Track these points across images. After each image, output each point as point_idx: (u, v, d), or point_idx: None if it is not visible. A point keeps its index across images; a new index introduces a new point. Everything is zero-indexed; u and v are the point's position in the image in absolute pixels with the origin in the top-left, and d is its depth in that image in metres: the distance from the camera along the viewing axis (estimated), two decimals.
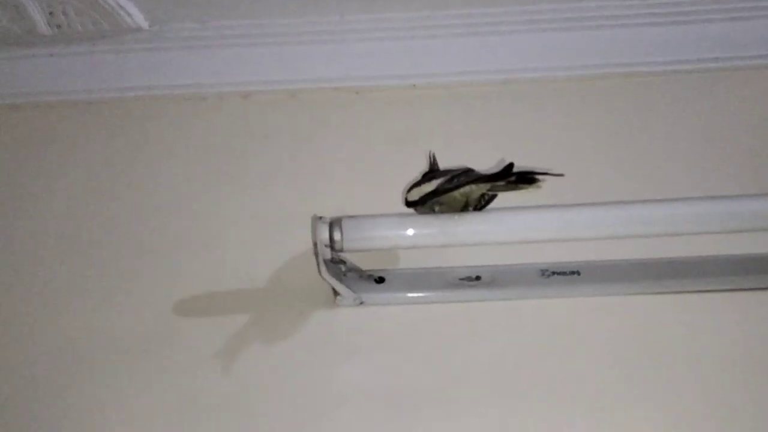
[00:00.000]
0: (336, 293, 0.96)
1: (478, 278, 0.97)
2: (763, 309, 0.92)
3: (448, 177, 0.88)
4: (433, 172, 0.91)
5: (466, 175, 0.87)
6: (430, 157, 0.94)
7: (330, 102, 1.49)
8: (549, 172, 0.84)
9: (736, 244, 0.96)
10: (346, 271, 0.98)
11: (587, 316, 0.94)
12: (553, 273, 0.97)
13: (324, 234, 0.88)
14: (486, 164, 1.07)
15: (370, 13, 1.49)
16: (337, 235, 0.89)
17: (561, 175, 0.84)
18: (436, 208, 0.89)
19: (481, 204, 0.89)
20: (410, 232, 0.90)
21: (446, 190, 0.87)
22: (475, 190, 0.86)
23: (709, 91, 1.27)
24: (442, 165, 1.26)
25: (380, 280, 0.99)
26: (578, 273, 0.97)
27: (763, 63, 1.40)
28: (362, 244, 0.89)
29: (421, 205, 0.89)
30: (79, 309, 1.01)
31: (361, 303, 0.96)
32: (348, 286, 0.96)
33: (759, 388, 0.84)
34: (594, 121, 1.32)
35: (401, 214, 0.91)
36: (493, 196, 0.89)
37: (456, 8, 1.48)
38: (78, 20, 1.47)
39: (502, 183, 0.85)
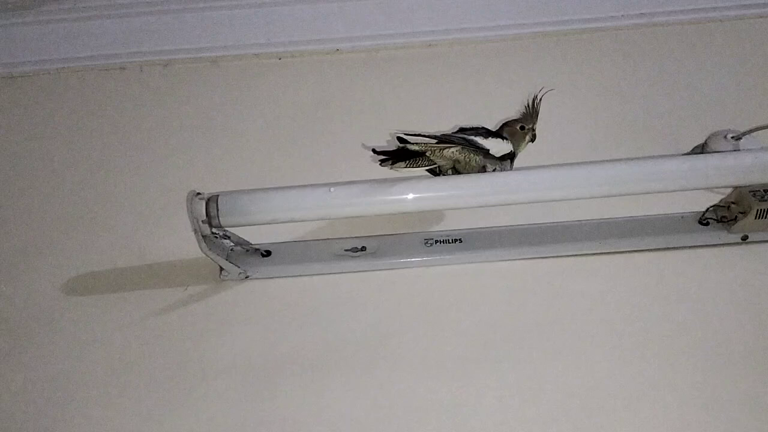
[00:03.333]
0: (221, 268, 0.96)
1: (363, 249, 0.98)
2: (629, 271, 0.94)
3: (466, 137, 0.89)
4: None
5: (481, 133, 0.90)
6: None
7: (252, 68, 1.48)
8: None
9: (606, 210, 0.96)
10: (232, 246, 0.99)
11: (469, 282, 0.94)
12: (436, 241, 0.98)
13: (200, 210, 0.89)
14: (413, 127, 1.07)
15: None
16: (213, 211, 0.89)
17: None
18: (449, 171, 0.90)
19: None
20: (287, 206, 0.89)
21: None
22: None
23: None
24: (357, 127, 1.27)
25: (267, 253, 1.00)
26: (460, 240, 0.97)
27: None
28: (239, 219, 0.90)
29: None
30: None
31: (247, 277, 0.97)
32: (233, 261, 0.96)
33: (618, 351, 0.85)
34: (510, 83, 1.31)
35: (279, 188, 0.90)
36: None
37: None
38: None
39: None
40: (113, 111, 1.38)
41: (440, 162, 0.88)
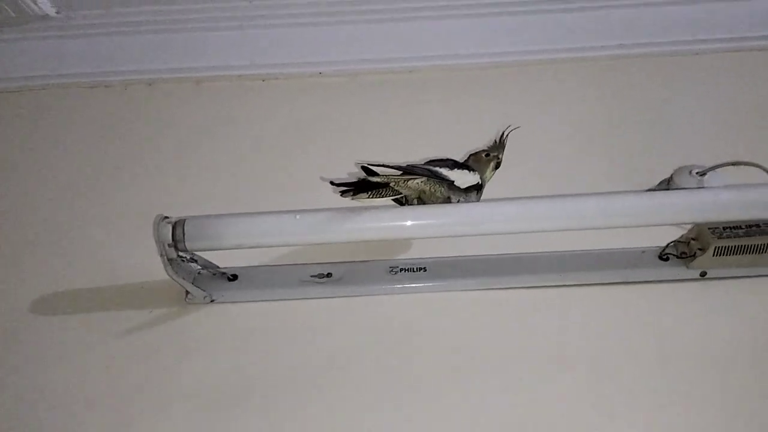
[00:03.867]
0: (187, 292, 0.97)
1: (329, 275, 1.00)
2: (590, 304, 0.96)
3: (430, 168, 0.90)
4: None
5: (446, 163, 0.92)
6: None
7: (235, 90, 1.50)
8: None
9: (569, 242, 0.98)
10: (200, 270, 1.00)
11: (432, 311, 0.96)
12: (401, 270, 0.99)
13: (167, 234, 0.90)
14: (388, 153, 1.09)
15: None
16: (179, 236, 0.90)
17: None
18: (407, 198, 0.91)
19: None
20: (253, 231, 0.91)
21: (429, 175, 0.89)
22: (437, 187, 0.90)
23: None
24: (338, 151, 1.28)
25: (233, 277, 1.01)
26: (425, 269, 0.99)
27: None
28: (205, 243, 0.91)
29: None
30: None
31: (212, 301, 0.98)
32: (199, 285, 0.98)
33: (576, 382, 0.87)
34: (486, 111, 1.33)
35: (246, 214, 0.92)
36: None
37: None
38: None
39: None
40: (94, 129, 1.39)
41: (405, 192, 0.90)
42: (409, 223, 0.91)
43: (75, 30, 1.51)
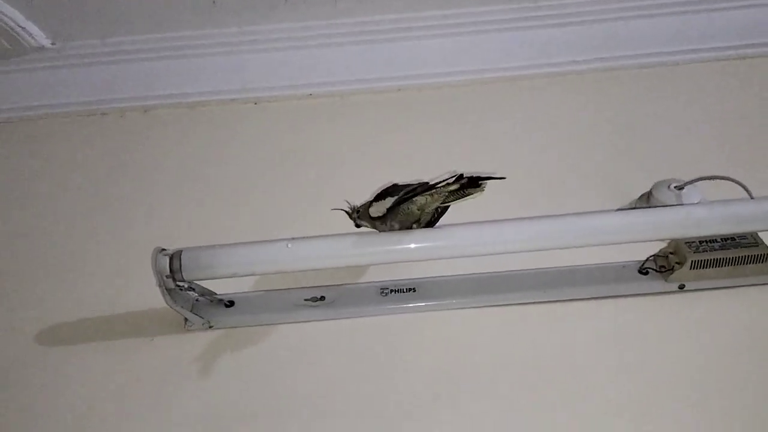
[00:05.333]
0: (186, 319, 1.01)
1: (322, 298, 1.03)
2: (573, 318, 1.00)
3: (404, 192, 0.91)
4: (387, 190, 0.93)
5: (421, 187, 0.91)
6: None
7: (229, 113, 1.54)
8: (493, 176, 0.88)
9: (551, 259, 1.01)
10: (197, 297, 1.04)
11: (422, 330, 1.00)
12: (391, 291, 1.03)
13: (164, 266, 0.94)
14: (380, 173, 1.12)
15: (267, 23, 1.53)
16: (176, 266, 0.94)
17: (503, 178, 0.88)
18: (389, 225, 0.92)
19: (434, 218, 0.93)
20: (247, 261, 0.94)
21: (402, 201, 0.90)
22: (429, 202, 0.90)
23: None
24: (331, 173, 1.32)
25: (230, 303, 1.05)
26: (414, 290, 1.02)
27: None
28: (201, 273, 0.95)
29: (380, 221, 0.92)
30: None
31: (210, 327, 1.02)
32: (198, 312, 1.02)
33: (560, 397, 0.91)
34: (477, 128, 1.37)
35: (239, 244, 0.95)
36: (445, 210, 0.93)
37: (350, 16, 1.51)
38: None
39: (454, 188, 0.88)
40: (93, 157, 1.43)
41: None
42: (396, 247, 0.94)
43: (70, 60, 1.56)
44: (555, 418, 0.89)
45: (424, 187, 0.90)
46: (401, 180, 0.97)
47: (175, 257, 0.94)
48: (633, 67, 1.47)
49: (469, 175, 0.90)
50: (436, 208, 0.92)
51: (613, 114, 1.37)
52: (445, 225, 0.94)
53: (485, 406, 0.91)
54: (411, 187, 0.91)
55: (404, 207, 0.91)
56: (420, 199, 0.90)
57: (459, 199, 0.90)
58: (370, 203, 0.94)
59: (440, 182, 0.90)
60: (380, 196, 0.92)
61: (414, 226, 0.93)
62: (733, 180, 1.03)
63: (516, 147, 1.34)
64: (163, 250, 0.96)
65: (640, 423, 0.87)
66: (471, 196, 0.89)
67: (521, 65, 1.50)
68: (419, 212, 0.91)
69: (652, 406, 0.89)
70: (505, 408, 0.91)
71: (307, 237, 0.95)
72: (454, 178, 0.89)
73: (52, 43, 1.54)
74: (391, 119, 1.46)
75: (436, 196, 0.90)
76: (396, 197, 0.91)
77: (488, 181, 0.88)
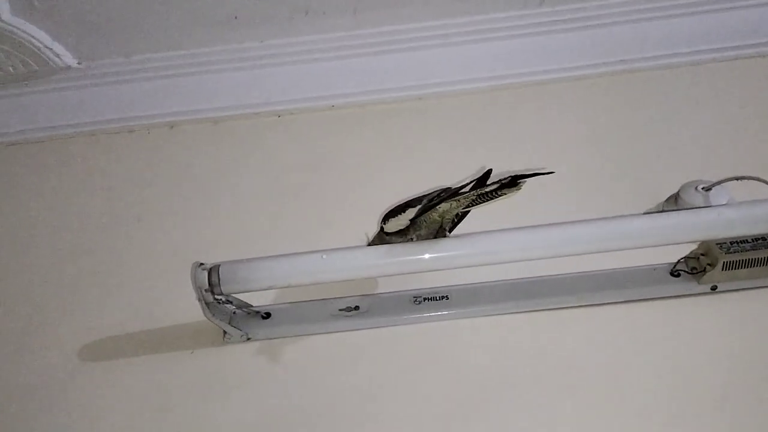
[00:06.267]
0: (224, 332, 1.03)
1: (356, 308, 1.05)
2: (606, 322, 1.00)
3: (426, 200, 0.91)
4: (409, 201, 0.94)
5: (445, 192, 0.91)
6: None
7: (252, 127, 1.56)
8: (539, 172, 0.88)
9: (583, 263, 1.02)
10: (235, 310, 1.06)
11: (456, 337, 1.01)
12: (425, 299, 1.04)
13: (203, 280, 0.96)
14: (403, 182, 1.14)
15: (287, 37, 1.56)
16: (215, 280, 0.96)
17: (552, 172, 0.89)
18: (414, 236, 0.93)
19: (453, 224, 0.94)
20: (283, 273, 0.96)
21: (426, 210, 0.90)
22: (453, 207, 0.90)
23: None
24: (355, 183, 1.34)
25: (267, 315, 1.06)
26: (447, 297, 1.04)
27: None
28: (239, 286, 0.97)
29: (400, 235, 0.94)
30: None
31: (248, 339, 1.04)
32: (236, 324, 1.03)
33: (597, 402, 0.92)
34: (499, 134, 1.38)
35: (275, 256, 0.97)
36: (465, 214, 0.93)
37: (369, 27, 1.54)
38: (8, 63, 1.54)
39: (489, 189, 0.87)
40: (122, 174, 1.46)
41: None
42: (426, 256, 0.95)
43: (96, 79, 1.59)
44: (592, 422, 0.90)
45: (449, 193, 0.91)
46: (425, 189, 0.97)
47: (213, 271, 0.96)
48: (656, 69, 1.47)
49: (512, 174, 0.88)
50: (456, 213, 0.92)
51: (635, 117, 1.38)
52: (478, 232, 0.95)
53: (522, 412, 0.91)
54: (433, 194, 0.92)
55: (425, 216, 0.92)
56: (444, 206, 0.90)
57: (491, 200, 0.89)
58: (381, 227, 0.95)
59: (464, 186, 0.90)
60: (394, 212, 0.93)
61: (443, 233, 0.94)
62: (761, 180, 1.03)
63: (538, 152, 1.35)
64: (201, 264, 0.98)
65: (676, 426, 0.88)
66: (505, 196, 0.89)
67: (542, 70, 1.51)
68: (440, 219, 0.92)
69: (688, 409, 0.90)
70: (541, 414, 0.92)
71: (341, 248, 0.97)
72: (478, 180, 0.89)
73: (78, 63, 1.58)
74: (412, 128, 1.48)
75: (462, 200, 0.90)
76: (419, 206, 0.92)
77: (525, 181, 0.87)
